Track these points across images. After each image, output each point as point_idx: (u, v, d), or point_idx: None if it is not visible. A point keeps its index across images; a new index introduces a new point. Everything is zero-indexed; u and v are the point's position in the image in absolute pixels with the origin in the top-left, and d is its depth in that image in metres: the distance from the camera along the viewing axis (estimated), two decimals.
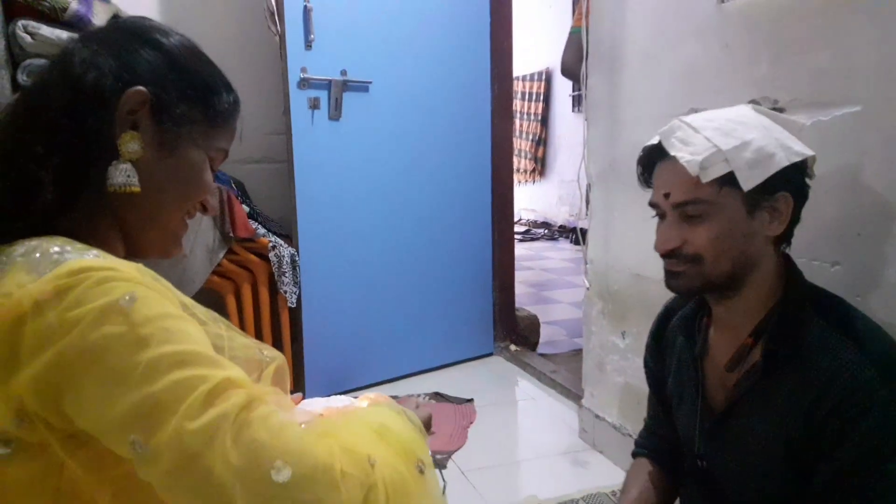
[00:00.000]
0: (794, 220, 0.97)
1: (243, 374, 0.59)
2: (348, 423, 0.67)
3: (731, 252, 0.94)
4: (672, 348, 1.17)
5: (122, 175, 0.66)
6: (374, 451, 0.62)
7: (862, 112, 1.15)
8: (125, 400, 0.53)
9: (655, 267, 1.03)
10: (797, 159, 0.92)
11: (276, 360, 0.73)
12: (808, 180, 0.98)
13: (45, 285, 0.55)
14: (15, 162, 0.65)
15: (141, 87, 0.67)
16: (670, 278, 1.00)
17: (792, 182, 0.94)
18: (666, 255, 0.98)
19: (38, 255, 0.59)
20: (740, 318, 1.00)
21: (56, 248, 0.60)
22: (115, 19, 0.74)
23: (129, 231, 0.71)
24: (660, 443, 1.24)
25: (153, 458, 0.53)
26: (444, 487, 0.84)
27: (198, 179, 0.74)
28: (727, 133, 0.93)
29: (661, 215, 1.00)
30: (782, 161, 0.91)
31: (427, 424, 0.81)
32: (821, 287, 1.01)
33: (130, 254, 0.74)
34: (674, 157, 0.94)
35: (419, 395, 2.59)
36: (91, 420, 0.55)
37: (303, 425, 0.60)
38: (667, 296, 1.27)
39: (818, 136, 1.23)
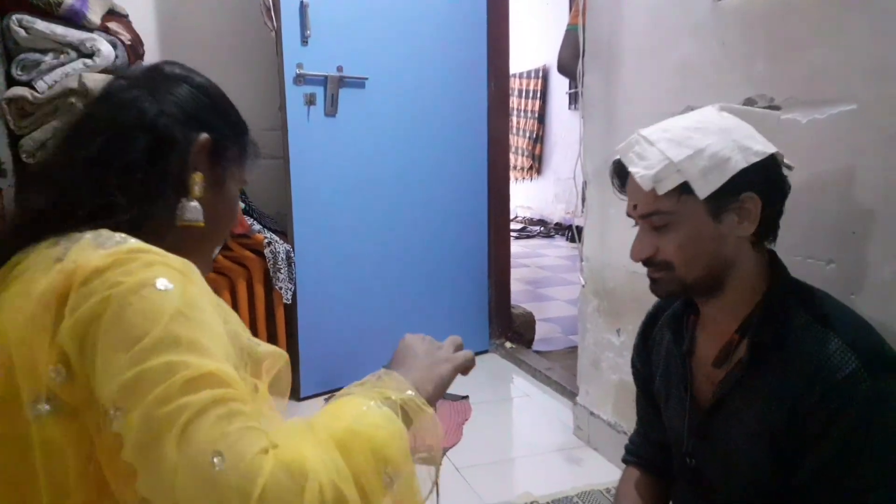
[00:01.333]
0: (774, 214, 0.99)
1: (232, 372, 0.60)
2: (311, 428, 0.63)
3: (701, 257, 0.96)
4: (659, 347, 1.18)
5: (193, 212, 0.76)
6: (321, 470, 0.57)
7: (858, 110, 1.15)
8: (122, 372, 0.56)
9: None
10: (756, 159, 0.93)
11: (279, 358, 0.77)
12: (785, 171, 0.99)
13: (107, 257, 0.62)
14: (91, 188, 0.72)
15: (206, 135, 0.78)
16: (651, 284, 1.03)
17: (757, 182, 0.94)
18: (644, 263, 1.02)
19: (103, 237, 0.66)
20: (726, 316, 1.01)
21: (120, 235, 0.67)
22: (156, 65, 0.84)
23: (184, 254, 0.77)
24: (650, 449, 1.25)
25: (125, 432, 0.55)
26: (435, 490, 0.81)
27: (235, 211, 0.87)
28: (680, 143, 0.94)
29: (637, 224, 1.03)
30: (738, 164, 0.92)
31: (456, 372, 0.83)
32: (805, 282, 1.03)
33: None
34: None
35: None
36: (98, 384, 0.58)
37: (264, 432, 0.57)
38: None
39: (814, 134, 1.23)
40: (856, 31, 1.15)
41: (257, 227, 2.43)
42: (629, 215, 1.03)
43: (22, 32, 2.05)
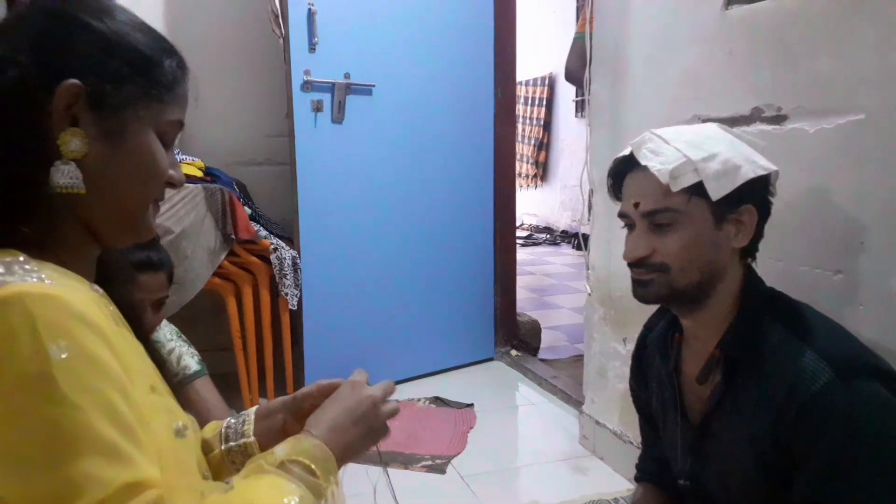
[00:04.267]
0: (758, 235, 0.99)
1: (149, 469, 0.56)
2: None
3: (698, 261, 0.96)
4: (650, 370, 1.17)
5: (65, 176, 0.62)
6: None
7: (865, 120, 1.15)
8: (25, 481, 0.51)
9: None
10: (762, 172, 0.96)
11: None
12: (770, 198, 1.00)
13: None
14: None
15: (73, 80, 0.62)
16: (637, 287, 1.01)
17: (757, 196, 0.97)
18: (634, 265, 1.00)
19: None
20: (707, 331, 1.01)
21: (0, 270, 0.57)
22: (33, 4, 0.67)
23: (97, 227, 0.68)
24: (657, 465, 1.24)
25: None
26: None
27: (153, 163, 0.68)
28: (696, 145, 0.95)
29: (630, 225, 1.02)
30: (748, 173, 0.94)
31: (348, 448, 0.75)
32: (780, 292, 1.03)
33: (104, 246, 0.71)
34: (644, 168, 0.96)
35: (419, 400, 2.59)
36: None
37: None
38: None
39: (821, 144, 1.22)
40: (862, 40, 1.15)
41: (263, 232, 2.44)
42: (623, 214, 1.02)
43: None
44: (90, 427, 0.53)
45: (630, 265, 1.01)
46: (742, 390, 0.96)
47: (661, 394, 1.13)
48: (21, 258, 0.59)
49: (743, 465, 0.96)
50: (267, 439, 0.87)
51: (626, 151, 1.02)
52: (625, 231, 1.04)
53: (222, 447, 0.87)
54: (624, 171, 1.03)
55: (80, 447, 0.52)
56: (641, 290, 1.01)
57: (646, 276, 0.99)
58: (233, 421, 0.89)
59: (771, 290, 1.03)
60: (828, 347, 0.89)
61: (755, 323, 0.96)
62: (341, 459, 0.73)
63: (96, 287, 0.65)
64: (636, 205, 0.98)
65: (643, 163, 0.97)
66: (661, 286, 0.98)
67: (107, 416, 0.54)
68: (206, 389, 1.65)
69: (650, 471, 1.26)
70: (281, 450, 0.69)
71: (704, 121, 1.56)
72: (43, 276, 0.57)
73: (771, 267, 1.19)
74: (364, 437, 0.77)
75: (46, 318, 0.54)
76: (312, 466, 0.68)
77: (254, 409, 0.90)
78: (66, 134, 0.62)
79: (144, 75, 0.66)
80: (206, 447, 0.88)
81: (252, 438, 0.87)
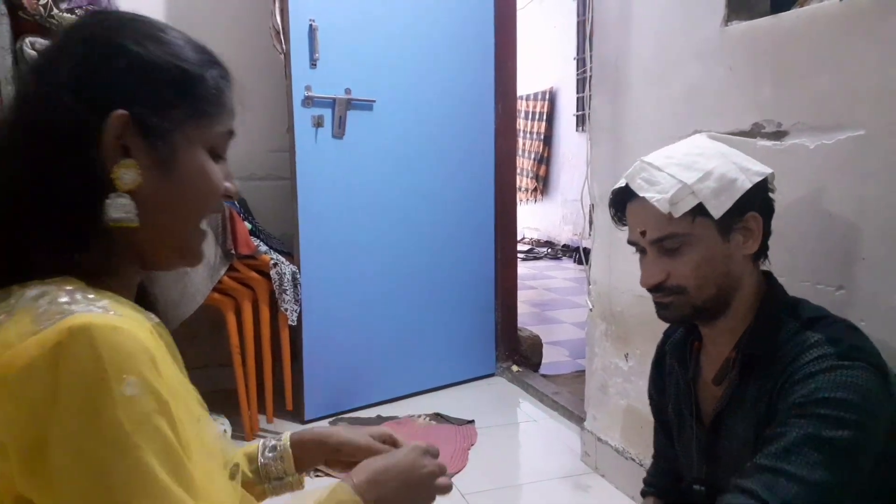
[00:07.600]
0: (766, 234, 1.02)
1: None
2: None
3: (713, 277, 0.98)
4: (670, 376, 1.18)
5: (119, 210, 0.60)
6: None
7: (865, 136, 1.15)
8: None
9: None
10: (758, 179, 0.98)
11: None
12: (771, 195, 1.03)
13: (44, 344, 0.52)
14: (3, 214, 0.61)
15: (120, 111, 0.60)
16: (660, 309, 1.04)
17: (757, 201, 0.99)
18: (652, 290, 1.02)
19: (46, 301, 0.56)
20: (725, 335, 1.03)
21: (65, 299, 0.56)
22: (70, 29, 0.65)
23: (149, 254, 0.67)
24: (667, 479, 1.24)
25: None
26: None
27: (207, 183, 0.67)
28: (688, 167, 0.97)
29: (642, 251, 1.04)
30: (745, 184, 0.96)
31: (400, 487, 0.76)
32: (803, 299, 1.04)
33: (152, 270, 0.70)
34: (643, 197, 0.98)
35: (419, 416, 2.57)
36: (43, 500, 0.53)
37: None
38: None
39: (821, 160, 1.22)
40: (862, 57, 1.15)
41: (263, 248, 2.43)
42: (633, 242, 1.04)
43: (35, 55, 2.08)
44: (146, 469, 0.53)
45: (648, 290, 1.03)
46: (751, 384, 0.98)
47: (677, 400, 1.15)
48: (81, 286, 0.58)
49: (749, 457, 0.96)
50: (303, 466, 0.90)
51: (622, 183, 1.04)
52: (627, 245, 1.06)
53: (267, 485, 0.89)
54: (623, 200, 1.06)
55: (133, 491, 0.52)
56: (664, 313, 1.04)
57: (665, 299, 1.01)
58: (270, 455, 0.89)
59: (793, 298, 1.04)
60: (837, 337, 0.90)
61: (772, 323, 0.98)
62: None
63: (152, 315, 0.64)
64: (643, 233, 1.01)
65: (640, 194, 0.99)
66: (682, 307, 1.01)
67: (163, 457, 0.54)
68: None
69: (658, 485, 1.26)
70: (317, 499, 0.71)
71: None
72: (106, 305, 0.57)
73: None
74: (404, 502, 0.77)
75: (113, 351, 0.53)
76: None
77: (286, 440, 0.90)
78: (119, 167, 0.61)
79: (189, 94, 0.65)
80: (245, 482, 0.87)
81: (296, 475, 0.89)
